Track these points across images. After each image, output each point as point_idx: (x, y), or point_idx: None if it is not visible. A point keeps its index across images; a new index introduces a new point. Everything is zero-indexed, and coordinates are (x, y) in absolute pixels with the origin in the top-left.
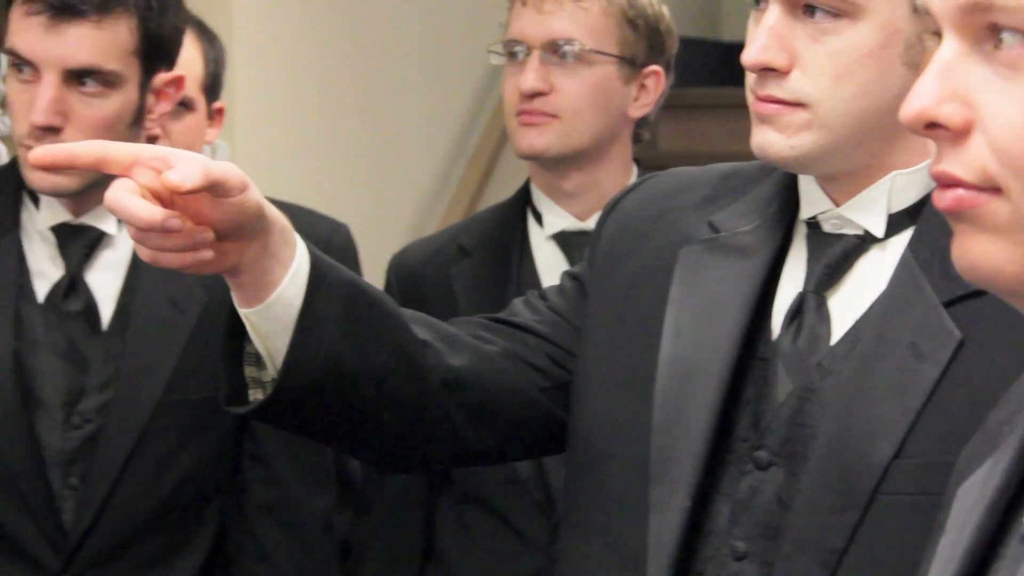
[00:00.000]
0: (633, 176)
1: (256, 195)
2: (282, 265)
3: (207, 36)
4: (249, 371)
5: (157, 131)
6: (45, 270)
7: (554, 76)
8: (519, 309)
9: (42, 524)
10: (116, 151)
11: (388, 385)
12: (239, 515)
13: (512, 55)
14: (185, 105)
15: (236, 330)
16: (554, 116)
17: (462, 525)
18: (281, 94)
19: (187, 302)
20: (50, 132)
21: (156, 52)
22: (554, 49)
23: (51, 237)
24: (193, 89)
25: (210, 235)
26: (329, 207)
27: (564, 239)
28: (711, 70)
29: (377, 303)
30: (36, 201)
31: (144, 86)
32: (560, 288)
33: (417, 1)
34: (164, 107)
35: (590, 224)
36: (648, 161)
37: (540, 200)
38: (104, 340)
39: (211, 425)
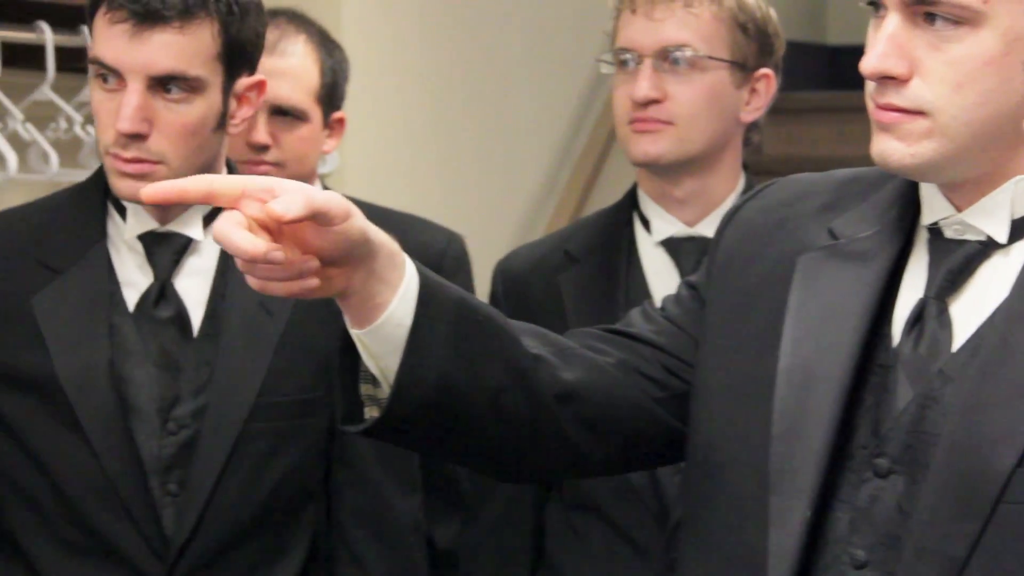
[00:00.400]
0: (741, 181)
1: (360, 222)
2: (391, 287)
3: (326, 46)
4: (365, 388)
5: (264, 139)
6: (134, 279)
7: (667, 83)
8: (635, 319)
9: (143, 532)
10: (223, 185)
11: (501, 401)
12: (331, 520)
13: (622, 63)
14: (297, 115)
15: (351, 349)
16: (669, 123)
17: (573, 533)
18: (389, 101)
19: (276, 305)
20: (136, 139)
21: (238, 57)
22: (666, 56)
23: (138, 246)
24: (306, 99)
25: (315, 264)
26: (435, 213)
27: (672, 245)
28: (816, 74)
29: (487, 320)
30: (122, 211)
31: (227, 91)
32: (677, 297)
33: (524, 6)
34: (246, 112)
35: (699, 230)
36: (753, 166)
37: (648, 206)
38: (196, 346)
39: (303, 428)
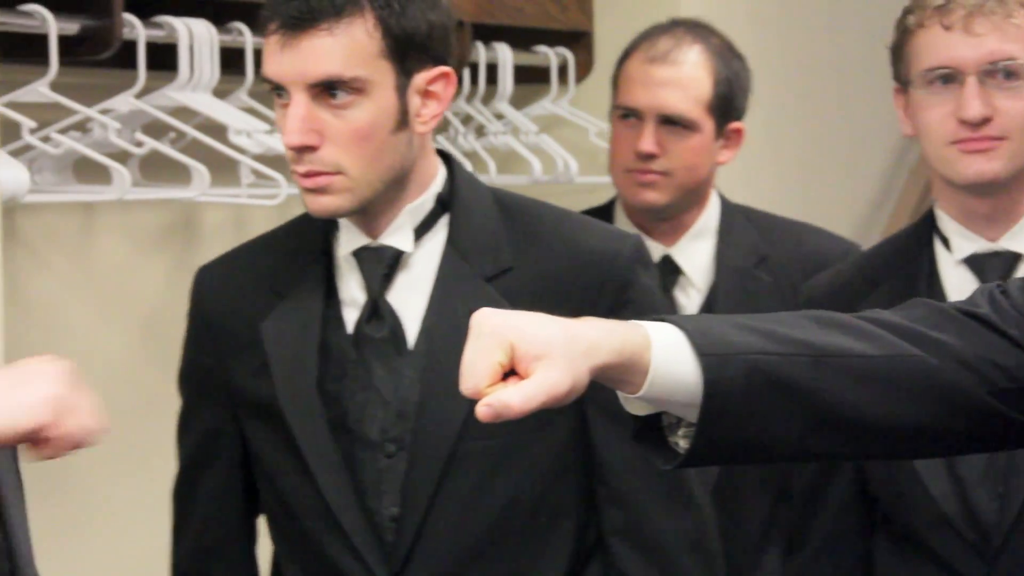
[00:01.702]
0: None
1: (577, 382)
2: (642, 371)
3: (722, 56)
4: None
5: (651, 148)
6: (354, 297)
7: (996, 98)
8: (978, 299)
9: (364, 556)
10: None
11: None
12: (597, 539)
13: (940, 81)
14: (686, 125)
15: None
16: (1002, 139)
17: (899, 564)
18: None
19: None
20: (308, 152)
21: (409, 51)
22: (991, 71)
23: (353, 262)
24: (696, 109)
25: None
26: None
27: (976, 262)
28: None
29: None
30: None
31: (402, 88)
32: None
33: (860, 6)
34: (435, 108)
35: (1003, 244)
36: None
37: (946, 224)
38: (410, 362)
39: (529, 445)
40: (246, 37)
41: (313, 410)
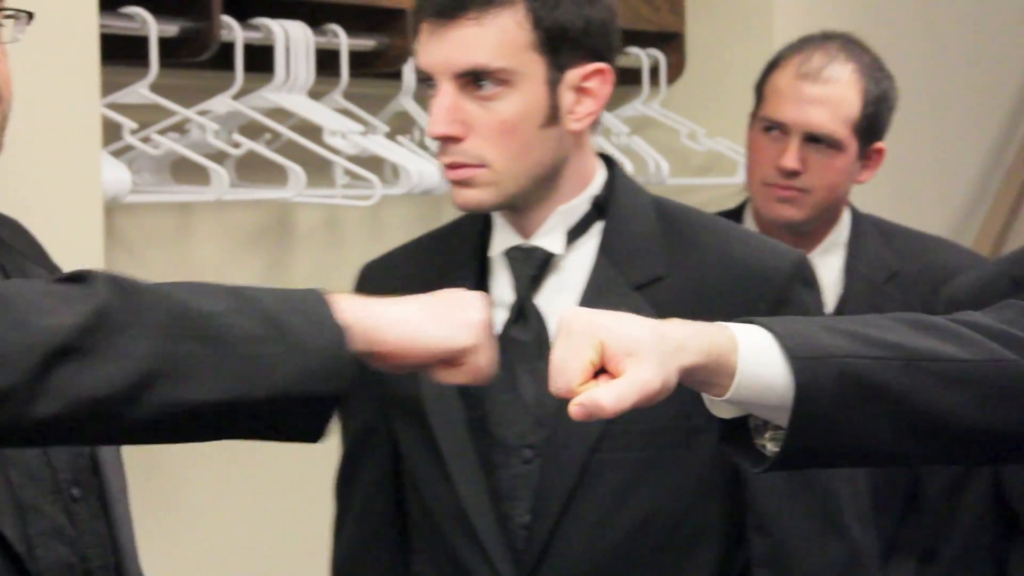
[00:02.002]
0: None
1: (667, 381)
2: (728, 374)
3: (874, 76)
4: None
5: (794, 164)
6: (503, 297)
7: None
8: None
9: (495, 561)
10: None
11: None
12: (743, 570)
13: None
14: (831, 144)
15: None
16: None
17: None
18: None
19: None
20: (452, 142)
21: (562, 45)
22: None
23: (504, 262)
24: (843, 129)
25: None
26: None
27: None
28: None
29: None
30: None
31: (554, 83)
32: None
33: (961, 5)
34: (590, 105)
35: None
36: None
37: None
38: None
39: (669, 460)
40: (341, 39)
41: (454, 411)
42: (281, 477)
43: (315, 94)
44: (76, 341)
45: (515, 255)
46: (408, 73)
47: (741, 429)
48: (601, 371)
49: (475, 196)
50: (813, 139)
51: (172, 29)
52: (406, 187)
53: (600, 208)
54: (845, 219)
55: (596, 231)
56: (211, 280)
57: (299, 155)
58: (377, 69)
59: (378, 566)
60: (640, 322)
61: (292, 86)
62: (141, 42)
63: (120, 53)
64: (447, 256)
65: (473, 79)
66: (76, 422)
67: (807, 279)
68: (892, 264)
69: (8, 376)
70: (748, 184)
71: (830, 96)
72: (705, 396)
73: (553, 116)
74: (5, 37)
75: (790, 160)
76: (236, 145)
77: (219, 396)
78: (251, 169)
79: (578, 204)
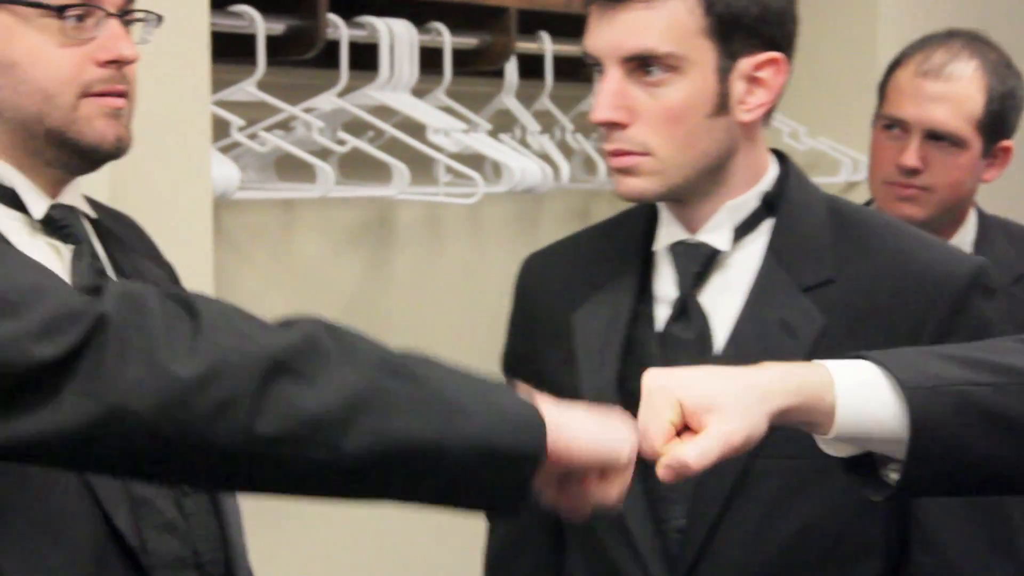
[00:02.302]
0: None
1: (752, 430)
2: (824, 412)
3: (999, 73)
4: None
5: (915, 162)
6: (667, 293)
7: None
8: None
9: (648, 565)
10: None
11: None
12: None
13: None
14: (954, 142)
15: None
16: None
17: None
18: None
19: (802, 324)
20: (616, 128)
21: (735, 32)
22: None
23: (669, 257)
24: (965, 127)
25: None
26: None
27: None
28: None
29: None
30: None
31: (725, 71)
32: None
33: None
34: (762, 96)
35: None
36: None
37: None
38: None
39: (833, 470)
40: (444, 37)
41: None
42: None
43: (418, 92)
44: (292, 361)
45: (679, 250)
46: (510, 71)
47: (866, 459)
48: (686, 428)
49: (638, 185)
50: (934, 137)
51: (279, 27)
52: (508, 185)
53: (770, 205)
54: (971, 220)
55: (765, 229)
56: (313, 278)
57: (401, 153)
58: (480, 67)
59: (532, 563)
60: (721, 375)
61: (396, 84)
62: (248, 40)
63: (228, 51)
64: (611, 249)
65: (641, 64)
66: (295, 443)
67: (987, 287)
68: (1018, 266)
69: (232, 385)
70: (870, 183)
71: (951, 93)
72: (816, 437)
73: (722, 106)
74: (135, 38)
75: (910, 158)
76: (341, 142)
77: (425, 434)
78: (352, 166)
79: (747, 200)
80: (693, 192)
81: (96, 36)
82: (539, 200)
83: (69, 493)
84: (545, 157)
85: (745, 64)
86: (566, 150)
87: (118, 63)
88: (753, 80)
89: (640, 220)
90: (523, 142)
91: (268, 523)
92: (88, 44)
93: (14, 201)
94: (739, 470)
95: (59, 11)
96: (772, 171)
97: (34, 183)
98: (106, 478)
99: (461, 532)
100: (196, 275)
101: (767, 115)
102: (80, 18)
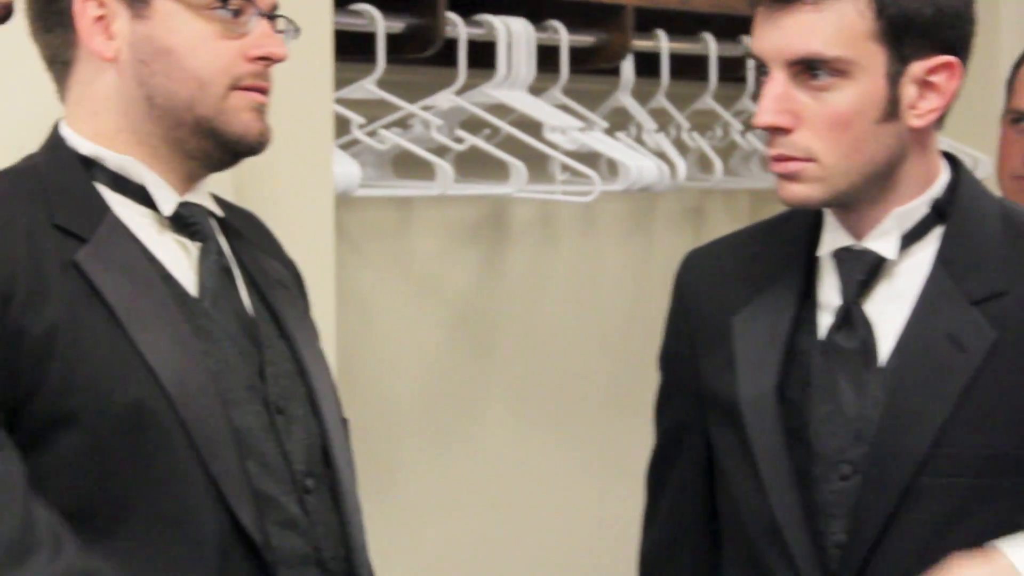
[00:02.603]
0: None
1: None
2: None
3: None
4: None
5: None
6: (830, 300)
7: None
8: None
9: None
10: None
11: None
12: None
13: None
14: None
15: None
16: None
17: None
18: None
19: (971, 339)
20: (780, 134)
21: (907, 36)
22: None
23: (833, 263)
24: None
25: None
26: None
27: None
28: None
29: None
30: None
31: (895, 76)
32: None
33: None
34: (934, 101)
35: None
36: None
37: None
38: (878, 379)
39: (1006, 489)
40: (561, 35)
41: (772, 419)
42: (505, 466)
43: (535, 90)
44: None
45: (844, 257)
46: (627, 69)
47: None
48: None
49: (801, 192)
50: None
51: (398, 26)
52: (625, 183)
53: (941, 212)
54: None
55: (935, 237)
56: (429, 275)
57: (517, 151)
58: (596, 65)
59: (686, 566)
60: None
61: (513, 82)
62: (368, 38)
63: (348, 49)
64: (773, 251)
65: (807, 68)
66: None
67: None
68: None
69: None
70: (998, 178)
71: None
72: None
73: (892, 111)
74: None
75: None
76: (458, 140)
77: None
78: (467, 164)
79: (916, 207)
80: (859, 198)
81: (248, 33)
82: (652, 199)
83: (194, 488)
84: (661, 155)
85: (917, 68)
86: (682, 148)
87: (267, 60)
88: (925, 85)
89: (804, 223)
90: (639, 140)
91: (389, 521)
92: (242, 39)
93: (144, 198)
94: (903, 488)
95: (222, 2)
96: (944, 177)
97: (166, 180)
98: (230, 475)
99: (609, 531)
100: (317, 272)
101: (939, 120)
102: (236, 14)
